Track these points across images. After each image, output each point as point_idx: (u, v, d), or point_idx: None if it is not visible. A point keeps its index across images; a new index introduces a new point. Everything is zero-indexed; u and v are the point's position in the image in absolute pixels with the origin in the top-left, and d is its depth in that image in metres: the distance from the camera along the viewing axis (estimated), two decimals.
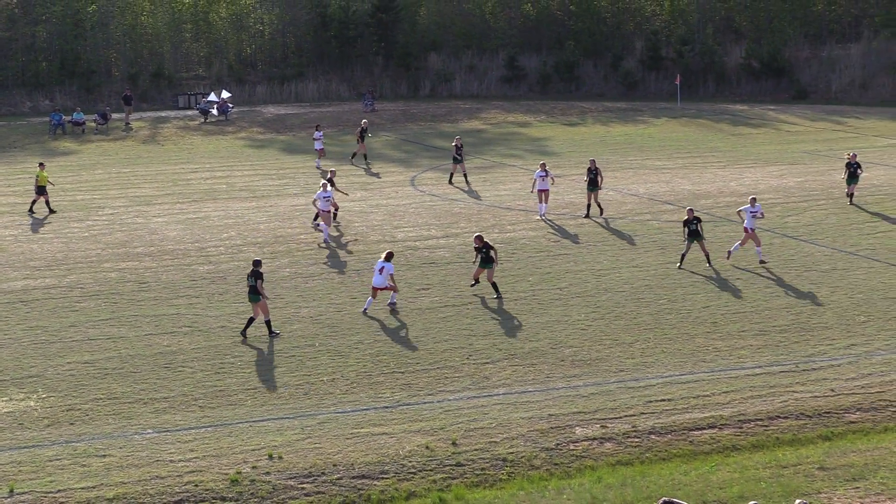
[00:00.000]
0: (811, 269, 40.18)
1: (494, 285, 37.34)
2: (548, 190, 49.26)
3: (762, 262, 40.42)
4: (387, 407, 28.32)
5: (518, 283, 38.83)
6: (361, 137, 61.10)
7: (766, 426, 27.32)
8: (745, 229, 40.81)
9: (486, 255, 37.33)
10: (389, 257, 36.25)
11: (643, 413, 27.87)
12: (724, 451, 26.21)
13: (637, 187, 55.51)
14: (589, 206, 48.42)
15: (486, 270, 37.50)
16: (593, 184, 47.90)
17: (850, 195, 49.82)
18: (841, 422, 27.62)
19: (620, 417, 27.65)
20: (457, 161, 57.11)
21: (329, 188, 45.37)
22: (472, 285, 38.23)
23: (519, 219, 48.80)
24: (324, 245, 44.32)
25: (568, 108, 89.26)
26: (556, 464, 25.61)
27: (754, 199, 41.33)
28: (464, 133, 69.06)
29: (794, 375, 30.16)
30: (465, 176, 57.45)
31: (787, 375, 30.16)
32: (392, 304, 36.17)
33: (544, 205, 48.94)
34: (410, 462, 25.39)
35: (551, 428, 27.06)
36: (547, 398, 28.78)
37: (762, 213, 41.37)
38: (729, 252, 40.92)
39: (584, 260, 41.70)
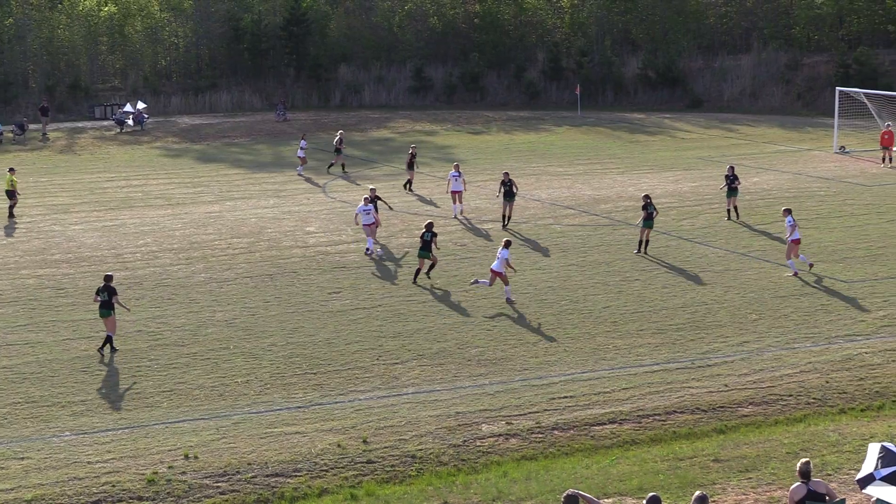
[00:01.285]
0: (706, 269, 41.23)
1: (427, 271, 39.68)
2: (461, 191, 50.92)
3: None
4: (300, 407, 28.79)
5: (426, 286, 39.57)
6: (411, 164, 59.80)
7: (663, 421, 28.03)
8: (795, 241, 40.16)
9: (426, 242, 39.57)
10: (508, 245, 37.67)
11: (546, 410, 28.49)
12: (623, 446, 26.78)
13: (539, 193, 56.41)
14: (505, 216, 48.83)
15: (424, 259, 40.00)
16: (509, 195, 48.65)
17: (733, 209, 49.26)
18: (734, 416, 28.35)
19: (525, 414, 28.23)
20: (338, 153, 63.04)
21: (369, 203, 44.75)
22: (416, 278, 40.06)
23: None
24: (371, 255, 44.02)
25: (473, 117, 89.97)
26: (463, 459, 26.08)
27: (789, 210, 40.88)
28: (373, 142, 69.59)
29: (689, 372, 30.96)
30: (342, 166, 62.58)
31: (683, 372, 30.96)
32: (508, 299, 37.43)
33: (458, 205, 50.44)
34: (323, 460, 25.84)
35: (459, 425, 27.59)
36: (454, 397, 29.36)
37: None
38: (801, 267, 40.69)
39: (489, 263, 41.88)
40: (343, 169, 64.23)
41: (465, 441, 26.94)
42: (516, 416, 28.23)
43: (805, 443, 26.13)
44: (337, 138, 65.39)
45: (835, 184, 58.01)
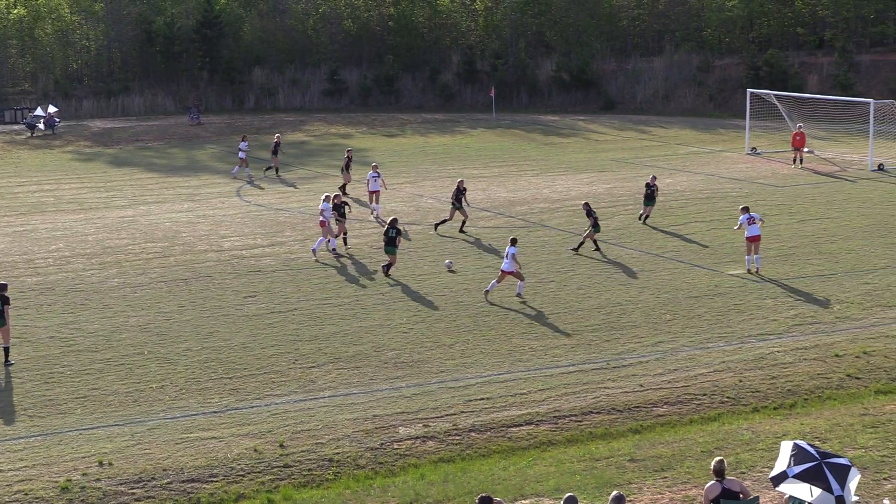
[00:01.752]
0: (620, 271, 41.49)
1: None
2: (379, 191, 51.49)
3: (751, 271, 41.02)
4: (216, 412, 28.63)
5: (342, 289, 39.52)
6: (347, 167, 59.45)
7: (579, 421, 28.14)
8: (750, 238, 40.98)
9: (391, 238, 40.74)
10: (514, 242, 37.92)
11: (463, 412, 28.53)
12: (540, 447, 26.87)
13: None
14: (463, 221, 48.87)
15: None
16: (458, 201, 48.52)
17: (645, 217, 49.36)
18: (649, 415, 28.55)
19: (442, 416, 28.25)
20: (275, 155, 63.60)
21: (328, 202, 44.89)
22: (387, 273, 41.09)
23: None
24: (335, 252, 44.62)
25: (388, 119, 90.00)
26: (380, 463, 26.08)
27: (747, 208, 41.65)
28: (287, 145, 69.34)
29: (605, 372, 31.12)
30: (275, 171, 62.85)
31: (599, 373, 31.11)
32: (519, 294, 37.92)
33: (376, 205, 50.79)
34: (239, 465, 25.72)
35: (376, 428, 27.57)
36: (371, 400, 29.33)
37: (762, 219, 41.87)
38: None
39: (405, 265, 42.43)
40: (267, 171, 63.90)
41: (382, 444, 26.93)
42: (433, 418, 28.25)
43: (719, 441, 26.37)
44: (275, 141, 65.05)
45: (747, 185, 58.68)
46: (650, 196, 49.18)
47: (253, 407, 28.99)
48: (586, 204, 44.92)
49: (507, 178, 61.86)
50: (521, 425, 28.00)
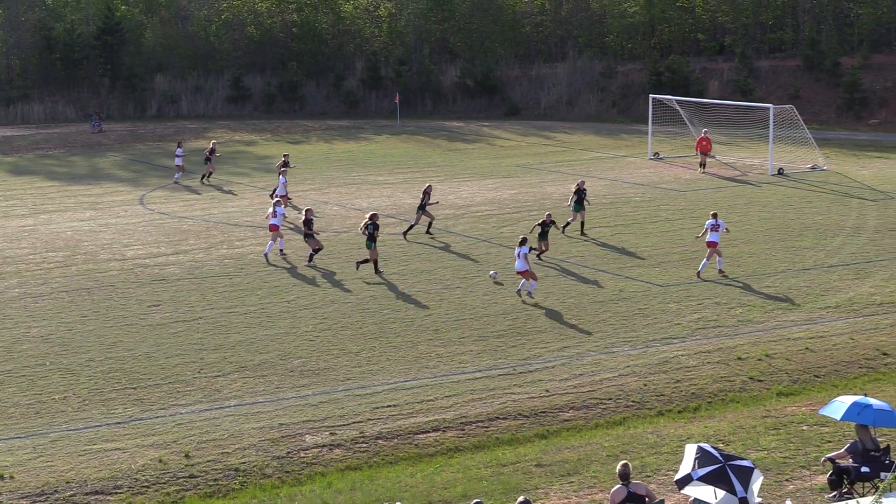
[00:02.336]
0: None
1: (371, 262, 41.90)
2: (284, 195, 52.46)
3: (721, 272, 41.38)
4: (119, 423, 28.33)
5: (247, 297, 39.29)
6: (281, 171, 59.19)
7: (486, 427, 28.22)
8: (708, 243, 41.48)
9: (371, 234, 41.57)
10: (524, 241, 38.41)
11: (370, 419, 28.50)
12: (447, 453, 26.91)
13: (360, 202, 56.36)
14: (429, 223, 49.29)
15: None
16: (422, 208, 48.71)
17: (581, 223, 48.76)
18: (556, 420, 28.67)
19: (349, 424, 28.20)
20: (208, 161, 62.65)
21: (280, 206, 46.21)
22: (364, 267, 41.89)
23: (247, 234, 49.22)
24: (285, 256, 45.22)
25: (292, 126, 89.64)
26: (287, 471, 25.99)
27: (716, 214, 41.84)
28: (190, 153, 68.77)
29: (511, 378, 31.20)
30: (206, 177, 62.87)
31: (505, 378, 31.17)
32: (530, 293, 38.44)
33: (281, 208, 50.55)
34: (144, 476, 25.49)
35: (282, 437, 27.46)
36: (277, 408, 29.20)
37: (727, 228, 42.28)
38: (698, 272, 41.44)
39: (311, 273, 42.38)
40: (202, 179, 63.46)
41: (288, 453, 26.83)
42: (340, 426, 28.18)
43: (625, 445, 26.58)
44: (209, 147, 64.58)
45: (650, 189, 59.18)
46: (580, 201, 48.55)
47: (157, 417, 28.73)
48: (548, 214, 44.77)
49: (413, 185, 61.68)
50: (428, 432, 28.01)
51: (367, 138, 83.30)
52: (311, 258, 43.73)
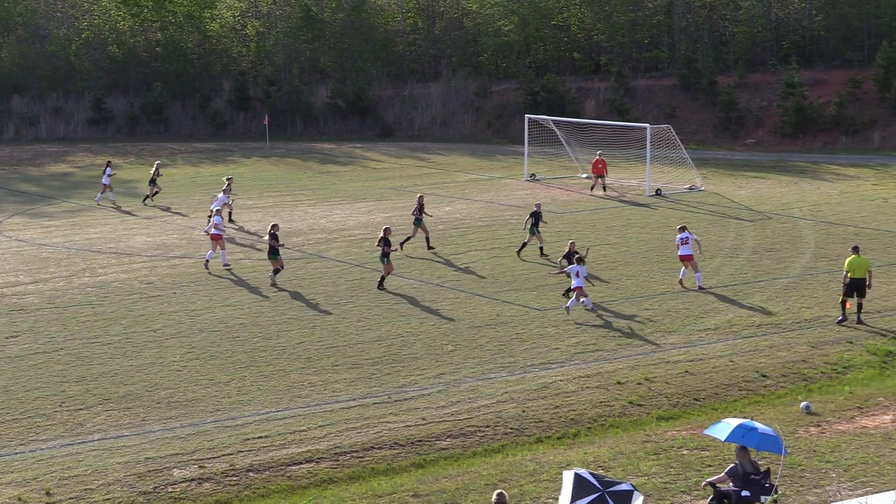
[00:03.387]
0: (400, 301, 40.97)
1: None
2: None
3: (700, 287, 41.83)
4: None
5: (111, 327, 38.12)
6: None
7: (361, 457, 27.62)
8: (681, 258, 42.20)
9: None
10: (581, 261, 39.52)
11: (241, 451, 27.72)
12: (321, 485, 26.30)
13: (228, 226, 55.30)
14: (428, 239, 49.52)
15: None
16: (418, 221, 48.82)
17: (540, 247, 48.06)
18: (433, 449, 28.15)
19: (218, 457, 27.41)
20: (153, 183, 62.37)
21: (219, 216, 47.05)
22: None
23: (110, 262, 47.95)
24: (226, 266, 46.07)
25: (157, 149, 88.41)
26: None
27: (684, 227, 42.61)
28: (50, 177, 67.33)
29: (387, 406, 30.61)
30: (151, 197, 62.68)
31: (380, 407, 30.58)
32: (589, 306, 39.30)
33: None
34: None
35: (149, 471, 26.58)
36: (144, 441, 28.28)
37: (696, 239, 42.79)
38: (680, 280, 42.35)
39: (177, 301, 41.32)
40: (145, 200, 62.47)
41: (155, 488, 25.93)
42: (209, 458, 27.35)
43: (503, 473, 26.07)
44: (154, 169, 63.45)
45: (526, 212, 58.52)
46: (536, 224, 47.86)
47: (16, 453, 27.58)
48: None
49: (283, 209, 61.02)
50: (301, 463, 27.31)
51: (235, 161, 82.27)
52: (273, 277, 43.66)
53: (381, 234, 42.73)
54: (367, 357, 34.69)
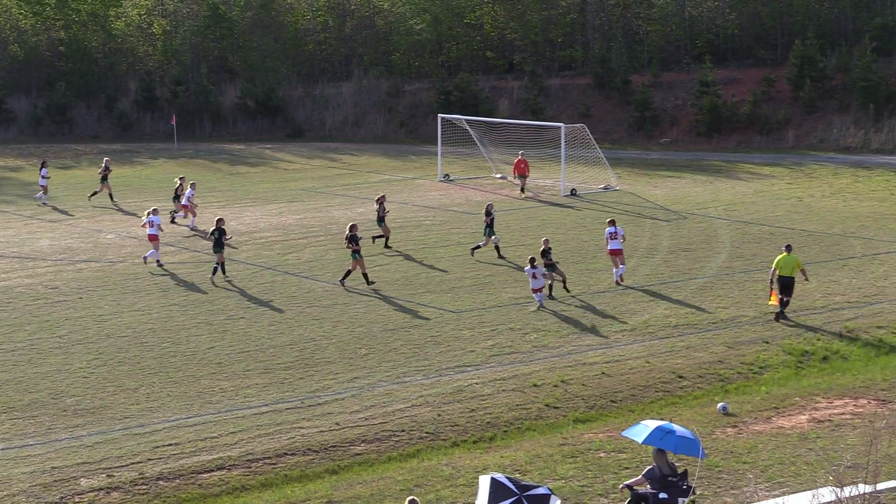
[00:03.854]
0: (313, 304, 40.51)
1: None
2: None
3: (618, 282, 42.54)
4: None
5: (15, 333, 37.29)
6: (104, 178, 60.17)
7: (274, 464, 27.26)
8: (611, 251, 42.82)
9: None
10: (533, 262, 39.43)
11: (150, 459, 27.21)
12: (233, 493, 25.93)
13: (136, 229, 54.44)
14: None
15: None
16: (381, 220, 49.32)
17: (496, 247, 47.74)
18: (347, 454, 27.87)
19: (127, 465, 26.88)
20: (104, 180, 61.83)
21: (156, 214, 47.22)
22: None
23: (14, 266, 47.01)
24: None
25: (62, 150, 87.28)
26: None
27: (613, 221, 43.12)
28: None
29: (300, 411, 30.21)
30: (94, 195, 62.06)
31: (293, 412, 30.17)
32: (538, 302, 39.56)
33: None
34: None
35: (55, 481, 26.02)
36: (49, 451, 27.67)
37: (623, 236, 43.00)
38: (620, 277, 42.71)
39: (84, 306, 40.50)
40: (90, 197, 62.19)
41: (62, 498, 25.43)
42: (118, 467, 26.82)
43: (419, 479, 25.80)
44: (103, 166, 62.78)
45: (441, 213, 58.58)
46: (491, 225, 47.44)
47: None
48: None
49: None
50: (213, 471, 26.88)
51: (142, 162, 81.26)
52: (215, 271, 44.16)
53: (348, 232, 42.78)
54: (280, 362, 34.21)
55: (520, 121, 77.04)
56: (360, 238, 42.97)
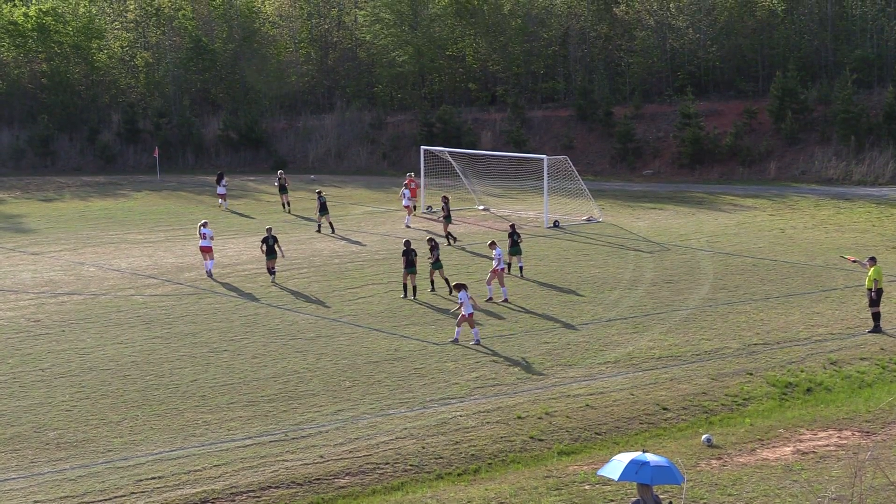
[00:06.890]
0: (297, 337, 40.37)
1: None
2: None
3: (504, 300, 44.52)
4: None
5: None
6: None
7: (258, 497, 27.01)
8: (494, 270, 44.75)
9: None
10: (459, 287, 39.27)
11: (133, 493, 26.96)
12: None
13: (119, 262, 54.34)
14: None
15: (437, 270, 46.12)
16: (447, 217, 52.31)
17: (520, 267, 49.47)
18: (331, 487, 27.68)
19: (110, 499, 26.63)
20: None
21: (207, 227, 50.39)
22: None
23: None
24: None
25: (44, 183, 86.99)
26: None
27: (494, 243, 45.19)
28: None
29: (284, 444, 30.02)
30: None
31: (277, 445, 29.98)
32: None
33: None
34: None
35: None
36: (32, 484, 27.42)
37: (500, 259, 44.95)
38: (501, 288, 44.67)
39: (66, 339, 40.25)
40: None
41: None
42: (101, 501, 26.59)
43: None
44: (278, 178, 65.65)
45: (423, 245, 58.04)
46: (515, 244, 49.06)
47: None
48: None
49: (175, 243, 60.04)
50: None
51: (125, 195, 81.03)
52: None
53: (404, 247, 46.32)
54: (263, 394, 34.01)
55: (502, 153, 77.20)
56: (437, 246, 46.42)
